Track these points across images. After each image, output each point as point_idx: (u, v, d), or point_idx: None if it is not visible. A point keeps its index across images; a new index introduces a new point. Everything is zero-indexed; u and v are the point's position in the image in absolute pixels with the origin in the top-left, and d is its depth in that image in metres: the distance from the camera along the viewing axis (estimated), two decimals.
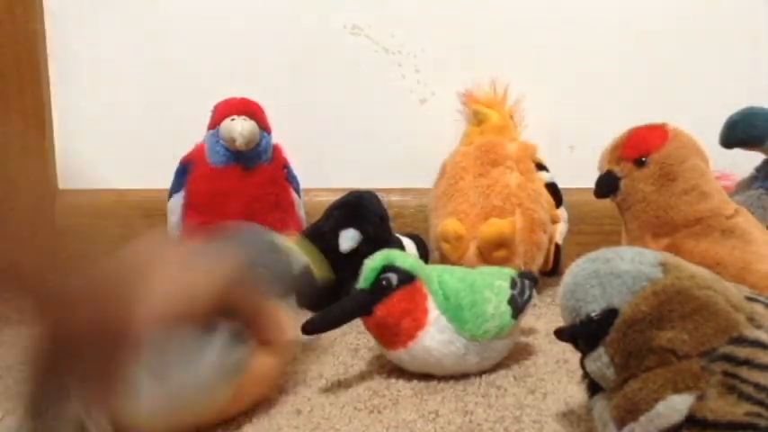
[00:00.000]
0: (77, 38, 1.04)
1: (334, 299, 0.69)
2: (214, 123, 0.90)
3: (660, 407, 0.47)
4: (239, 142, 0.87)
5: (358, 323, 0.70)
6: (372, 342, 0.73)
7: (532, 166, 0.94)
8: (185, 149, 0.93)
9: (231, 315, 0.49)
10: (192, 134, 0.93)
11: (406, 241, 0.92)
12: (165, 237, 0.50)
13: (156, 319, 0.41)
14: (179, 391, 0.49)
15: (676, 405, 0.47)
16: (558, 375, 0.71)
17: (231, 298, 0.45)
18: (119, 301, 0.40)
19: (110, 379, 0.42)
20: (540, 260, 0.90)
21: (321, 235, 0.87)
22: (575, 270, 0.54)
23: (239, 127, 0.87)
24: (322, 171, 1.04)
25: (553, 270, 0.94)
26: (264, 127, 0.91)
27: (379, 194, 0.91)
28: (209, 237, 0.53)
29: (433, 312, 0.67)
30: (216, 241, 0.52)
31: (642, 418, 0.48)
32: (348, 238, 0.85)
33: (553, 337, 0.56)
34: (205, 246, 0.51)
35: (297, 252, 0.60)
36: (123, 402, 0.44)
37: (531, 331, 0.81)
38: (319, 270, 0.56)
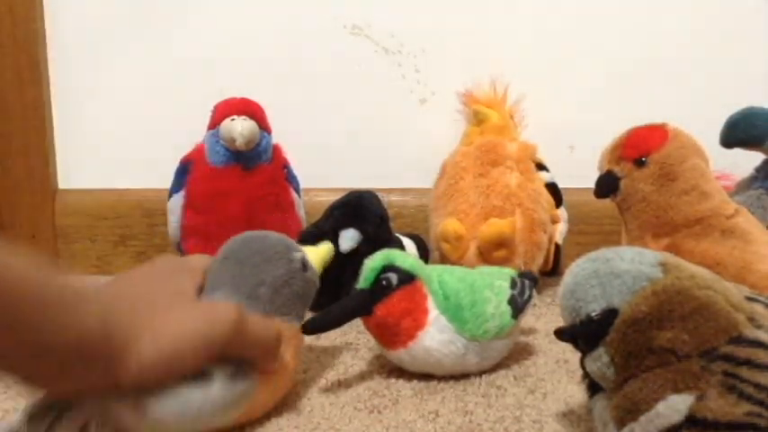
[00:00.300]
0: (77, 38, 1.04)
1: (335, 299, 0.69)
2: (214, 123, 0.90)
3: (660, 407, 0.47)
4: (239, 142, 0.87)
5: (358, 323, 0.70)
6: (372, 342, 0.72)
7: (532, 166, 0.94)
8: (185, 149, 0.93)
9: (231, 358, 0.49)
10: (192, 134, 0.93)
11: (406, 241, 0.92)
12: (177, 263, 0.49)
13: (147, 374, 0.41)
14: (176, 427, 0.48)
15: (676, 405, 0.47)
16: (558, 375, 0.71)
17: (231, 346, 0.45)
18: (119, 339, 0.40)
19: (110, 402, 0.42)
20: (540, 260, 0.90)
21: (321, 235, 0.87)
22: (575, 270, 0.54)
23: (239, 127, 0.87)
24: (322, 171, 1.04)
25: (553, 270, 0.94)
26: (264, 127, 0.91)
27: (379, 194, 0.91)
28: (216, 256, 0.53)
29: (433, 312, 0.67)
30: (220, 264, 0.51)
31: (642, 418, 0.48)
32: (348, 238, 0.85)
33: (553, 337, 0.56)
34: (210, 275, 0.50)
35: (305, 261, 0.58)
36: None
37: (531, 331, 0.81)
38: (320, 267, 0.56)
